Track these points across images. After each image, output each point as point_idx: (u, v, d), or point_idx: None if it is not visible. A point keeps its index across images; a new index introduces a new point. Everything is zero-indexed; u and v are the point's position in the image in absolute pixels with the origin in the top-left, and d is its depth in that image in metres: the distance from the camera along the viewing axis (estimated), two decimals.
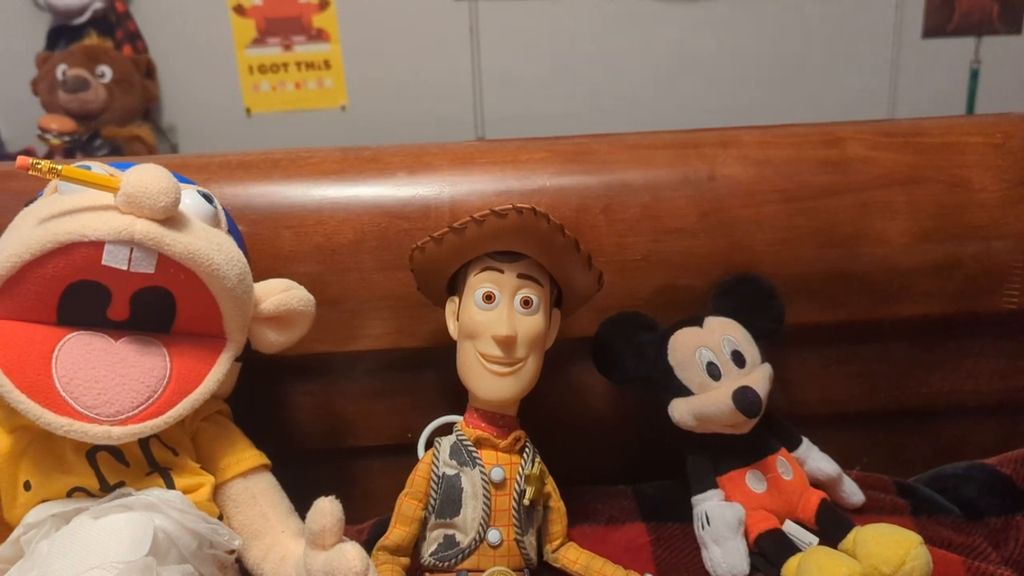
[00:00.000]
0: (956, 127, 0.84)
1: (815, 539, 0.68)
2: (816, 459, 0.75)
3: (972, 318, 0.83)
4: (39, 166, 0.54)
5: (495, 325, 0.64)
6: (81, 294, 0.57)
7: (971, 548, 0.71)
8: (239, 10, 2.32)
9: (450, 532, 0.65)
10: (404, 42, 2.36)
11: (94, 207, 0.56)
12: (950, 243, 0.81)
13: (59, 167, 0.55)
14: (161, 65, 2.29)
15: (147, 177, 0.56)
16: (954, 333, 0.85)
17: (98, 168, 0.60)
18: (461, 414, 0.69)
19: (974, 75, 2.44)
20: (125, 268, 0.56)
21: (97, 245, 0.55)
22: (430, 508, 0.66)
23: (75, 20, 2.18)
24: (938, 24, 2.41)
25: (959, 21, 2.40)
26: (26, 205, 0.62)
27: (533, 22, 2.37)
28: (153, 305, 0.59)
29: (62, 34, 2.20)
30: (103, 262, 0.55)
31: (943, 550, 0.69)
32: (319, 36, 2.35)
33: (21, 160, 0.54)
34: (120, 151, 2.09)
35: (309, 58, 2.37)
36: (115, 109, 2.11)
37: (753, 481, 0.71)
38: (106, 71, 2.11)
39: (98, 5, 2.16)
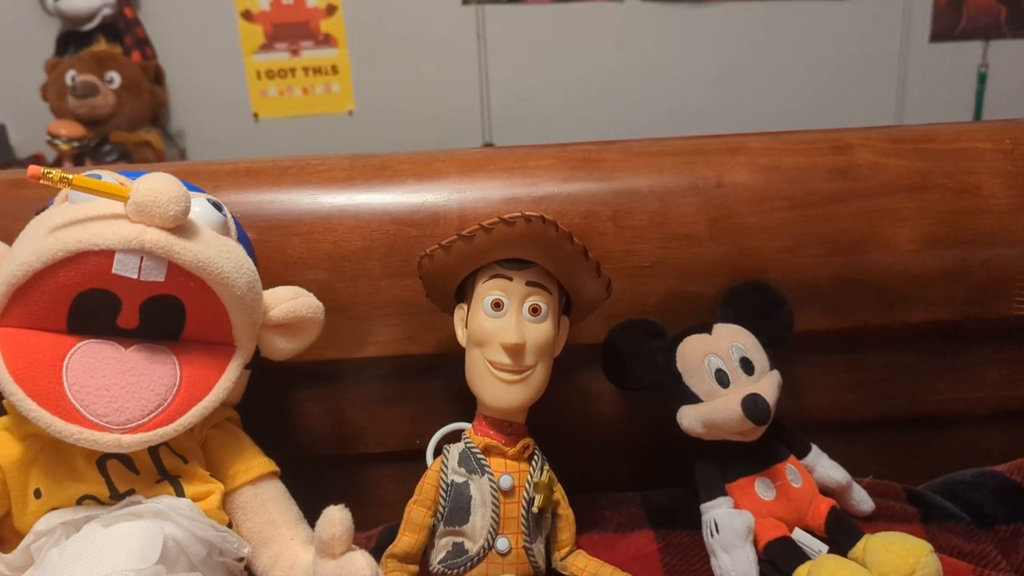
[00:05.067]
0: (965, 133, 0.84)
1: (824, 547, 0.68)
2: (825, 466, 0.75)
3: (981, 325, 0.83)
4: (50, 175, 0.55)
5: (504, 332, 0.64)
6: (91, 302, 0.57)
7: (981, 556, 0.71)
8: (247, 16, 2.33)
9: (459, 540, 0.65)
10: (411, 47, 2.37)
11: (104, 216, 0.56)
12: (959, 250, 0.81)
13: (70, 176, 0.55)
14: (169, 70, 2.30)
15: (157, 186, 0.56)
16: (963, 340, 0.84)
17: (108, 177, 0.60)
18: (470, 421, 0.69)
19: (982, 79, 2.43)
20: (135, 277, 0.56)
21: (107, 254, 0.55)
22: (439, 515, 0.66)
23: (84, 26, 2.19)
24: (946, 28, 2.41)
25: (967, 25, 2.40)
26: (37, 213, 0.62)
27: (540, 27, 2.38)
28: (163, 313, 0.59)
29: (71, 40, 2.22)
30: (113, 271, 0.55)
31: (953, 558, 0.69)
32: (327, 41, 2.37)
33: (32, 169, 0.54)
34: (129, 156, 2.11)
35: (317, 63, 2.38)
36: (124, 114, 2.13)
37: (762, 488, 0.71)
38: (115, 77, 2.12)
39: (107, 11, 2.17)
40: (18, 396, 0.55)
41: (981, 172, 0.82)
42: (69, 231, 0.55)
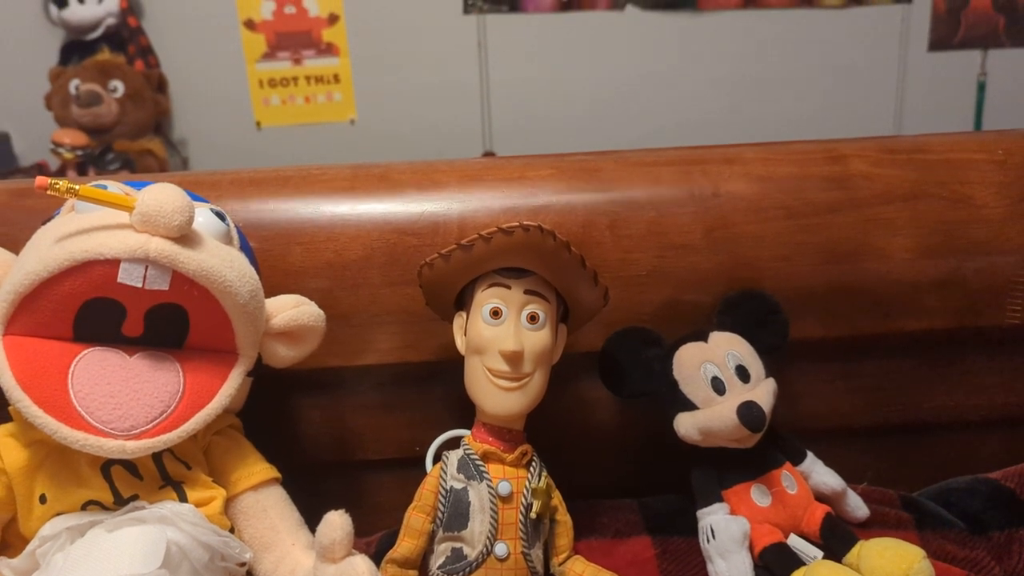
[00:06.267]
0: (958, 144, 0.85)
1: (819, 553, 0.69)
2: (820, 473, 0.76)
3: (975, 333, 0.84)
4: (57, 186, 0.56)
5: (502, 340, 0.65)
6: (97, 311, 0.58)
7: (975, 562, 0.71)
8: (249, 25, 2.35)
9: (458, 545, 0.66)
10: (413, 56, 2.38)
11: (110, 226, 0.57)
12: (953, 259, 0.81)
13: (76, 187, 0.56)
14: (172, 79, 2.32)
15: (162, 196, 0.57)
16: (958, 348, 0.85)
17: (114, 187, 0.61)
18: (468, 428, 0.70)
19: (981, 88, 2.44)
20: (140, 285, 0.57)
21: (113, 263, 0.56)
22: (438, 521, 0.66)
23: (88, 35, 2.21)
24: (944, 37, 2.42)
25: (965, 34, 2.42)
26: (43, 223, 0.63)
27: (541, 36, 2.39)
28: (167, 321, 0.60)
29: (75, 49, 2.23)
30: (118, 280, 0.56)
31: (947, 564, 0.70)
32: (328, 50, 2.38)
33: (40, 180, 0.55)
34: (132, 164, 2.12)
35: (319, 72, 2.39)
36: (127, 123, 2.14)
37: (758, 495, 0.72)
38: (118, 86, 2.14)
39: (111, 20, 2.19)
40: (24, 403, 0.56)
41: (974, 182, 0.82)
42: (75, 241, 0.56)
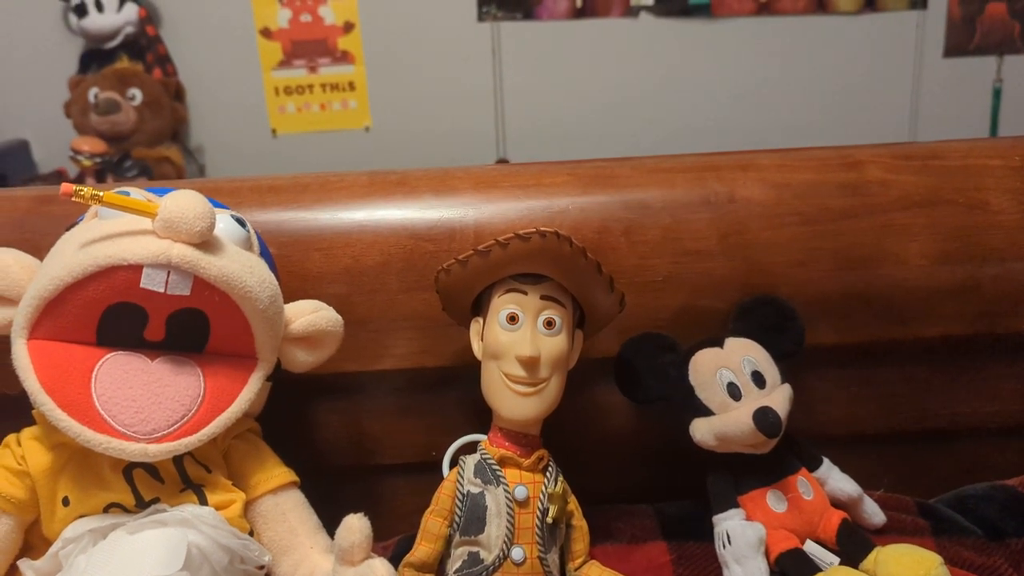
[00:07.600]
0: (974, 150, 0.85)
1: (836, 559, 0.69)
2: (837, 479, 0.76)
3: (992, 339, 0.84)
4: (82, 193, 0.56)
5: (519, 346, 0.66)
6: (120, 315, 0.59)
7: (992, 569, 0.71)
8: (266, 33, 2.36)
9: (474, 549, 0.66)
10: (427, 64, 2.39)
11: (133, 232, 0.58)
12: (969, 265, 0.81)
13: (101, 194, 0.57)
14: (190, 87, 2.34)
15: (184, 203, 0.58)
16: (974, 354, 0.85)
17: (137, 194, 0.62)
18: (485, 433, 0.70)
19: (996, 94, 2.43)
20: (162, 291, 0.57)
21: (136, 268, 0.57)
22: (455, 525, 0.67)
23: (107, 44, 2.23)
24: (960, 43, 2.41)
25: (980, 40, 2.41)
26: (67, 229, 0.64)
27: (554, 43, 2.40)
28: (188, 326, 0.60)
29: (94, 58, 2.26)
30: (141, 285, 0.57)
31: (964, 571, 0.70)
32: (344, 58, 2.39)
33: (65, 187, 0.56)
34: (149, 172, 2.14)
35: (334, 80, 2.41)
36: (145, 131, 2.16)
37: (774, 501, 0.72)
38: (137, 94, 2.16)
39: (129, 29, 2.21)
40: (49, 406, 0.56)
41: (990, 188, 0.82)
42: (99, 246, 0.57)
